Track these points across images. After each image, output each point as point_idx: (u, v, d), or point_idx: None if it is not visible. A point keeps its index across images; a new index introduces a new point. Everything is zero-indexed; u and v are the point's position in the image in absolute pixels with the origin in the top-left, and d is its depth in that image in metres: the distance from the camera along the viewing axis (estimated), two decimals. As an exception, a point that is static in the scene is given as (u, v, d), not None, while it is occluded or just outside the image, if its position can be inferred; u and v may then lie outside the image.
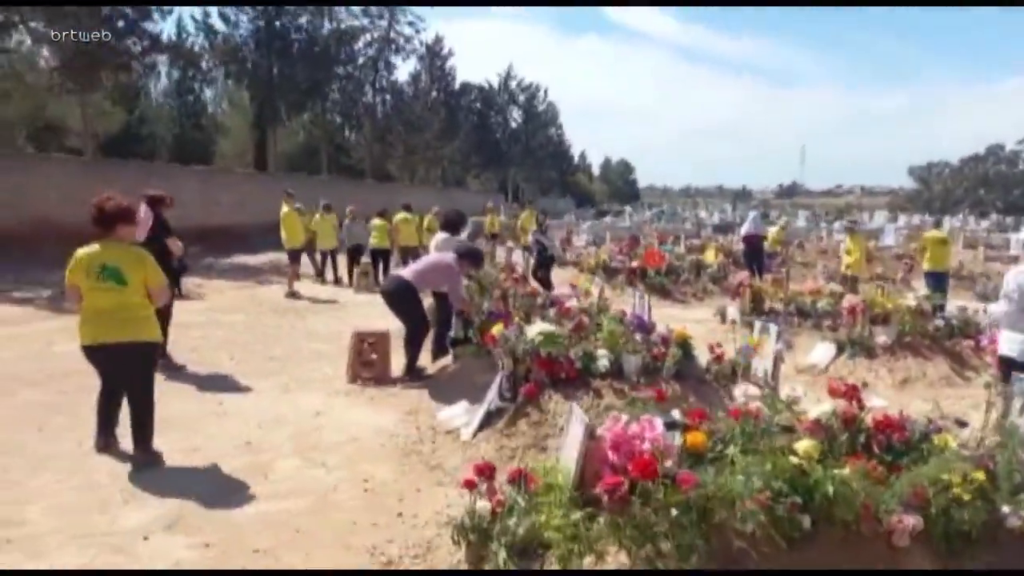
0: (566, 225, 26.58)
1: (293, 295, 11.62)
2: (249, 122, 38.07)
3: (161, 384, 5.12)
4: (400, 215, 14.07)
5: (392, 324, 6.58)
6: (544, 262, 12.23)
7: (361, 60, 38.77)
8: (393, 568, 3.13)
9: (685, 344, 5.19)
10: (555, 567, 2.63)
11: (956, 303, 9.30)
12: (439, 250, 7.13)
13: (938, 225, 12.59)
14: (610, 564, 2.59)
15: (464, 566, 2.89)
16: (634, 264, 13.41)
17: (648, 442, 2.79)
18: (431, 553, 3.16)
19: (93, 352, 4.23)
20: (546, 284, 11.06)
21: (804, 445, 2.90)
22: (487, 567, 2.76)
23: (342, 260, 13.84)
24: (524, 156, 62.09)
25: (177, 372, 6.40)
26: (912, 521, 2.67)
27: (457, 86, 52.70)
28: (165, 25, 54.52)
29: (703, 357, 5.41)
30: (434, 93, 48.48)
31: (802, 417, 3.28)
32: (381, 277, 12.83)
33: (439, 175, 52.48)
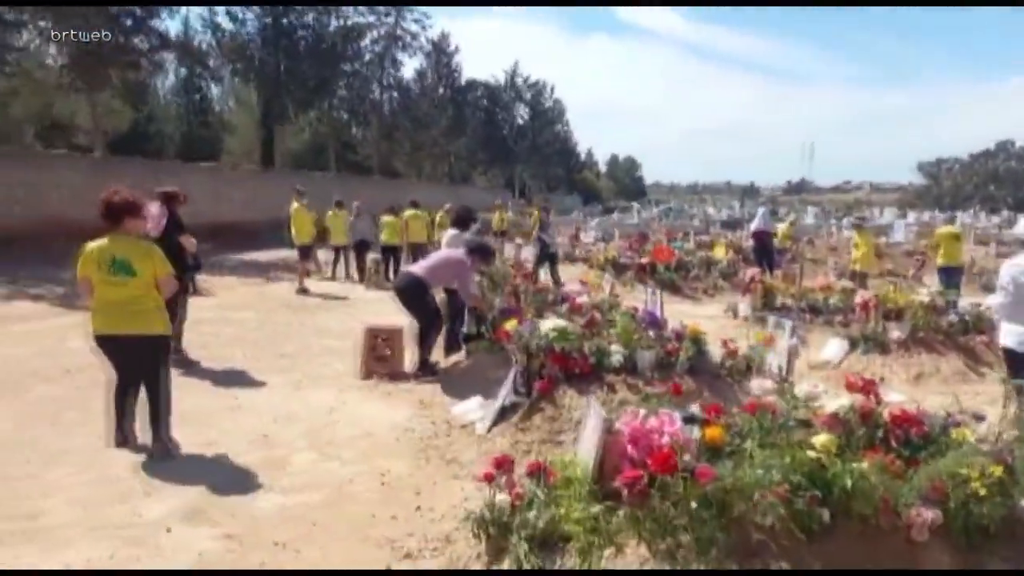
0: (574, 222, 26.55)
1: (303, 292, 11.67)
2: (256, 120, 38.11)
3: (176, 379, 5.15)
4: (409, 212, 14.12)
5: (404, 320, 6.60)
6: (544, 259, 12.26)
7: (368, 57, 38.74)
8: (410, 561, 3.16)
9: (698, 339, 5.20)
10: (575, 559, 2.65)
11: (969, 299, 9.26)
12: (449, 246, 7.17)
13: (951, 221, 12.55)
14: (630, 556, 2.61)
15: (484, 558, 2.91)
16: (643, 260, 13.41)
17: (667, 436, 2.80)
18: (450, 546, 3.18)
19: (105, 342, 4.32)
20: (554, 280, 11.07)
21: (822, 439, 2.91)
22: (507, 559, 2.78)
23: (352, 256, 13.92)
24: (531, 153, 62.08)
25: (191, 367, 6.45)
26: (931, 515, 2.67)
27: (463, 83, 52.68)
28: (172, 23, 54.63)
29: (715, 353, 5.41)
30: (441, 90, 48.49)
31: (819, 411, 3.28)
32: (391, 274, 12.88)
33: (446, 172, 52.51)
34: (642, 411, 3.04)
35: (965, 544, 2.75)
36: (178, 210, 6.72)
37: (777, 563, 2.58)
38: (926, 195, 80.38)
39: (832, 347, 7.51)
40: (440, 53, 48.19)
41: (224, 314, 9.55)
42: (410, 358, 6.40)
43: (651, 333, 5.21)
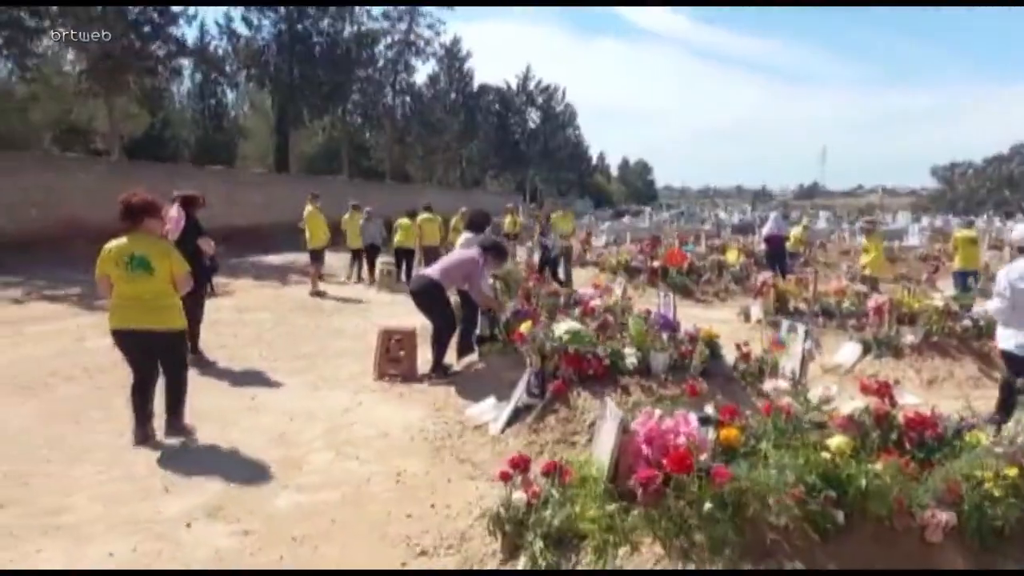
0: (585, 226, 26.54)
1: (318, 294, 11.76)
2: (271, 125, 38.49)
3: (194, 379, 5.25)
4: (423, 215, 14.24)
5: (417, 322, 6.66)
6: (547, 263, 12.33)
7: (381, 63, 39.03)
8: (427, 560, 3.20)
9: (712, 342, 5.22)
10: (590, 557, 2.68)
11: (984, 305, 9.21)
12: (464, 248, 7.21)
13: (969, 225, 12.47)
14: (645, 555, 2.63)
15: (499, 556, 2.95)
16: (655, 264, 13.40)
17: (683, 436, 2.83)
18: (465, 543, 3.21)
19: (123, 336, 4.44)
20: (567, 281, 11.10)
21: (836, 441, 2.93)
22: (522, 556, 2.81)
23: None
24: (543, 157, 62.10)
25: (209, 367, 6.53)
26: (945, 517, 2.68)
27: (475, 88, 52.88)
28: (189, 30, 55.22)
29: (729, 356, 5.43)
30: (453, 95, 48.70)
31: (834, 413, 3.30)
32: (403, 276, 12.97)
33: (458, 176, 52.70)
34: (657, 412, 3.07)
35: (979, 546, 2.75)
36: (196, 213, 6.81)
37: (791, 563, 2.60)
38: (940, 199, 79.80)
39: (845, 351, 7.49)
40: (452, 58, 48.42)
41: (241, 316, 9.65)
42: (423, 360, 6.45)
43: (665, 336, 5.24)
